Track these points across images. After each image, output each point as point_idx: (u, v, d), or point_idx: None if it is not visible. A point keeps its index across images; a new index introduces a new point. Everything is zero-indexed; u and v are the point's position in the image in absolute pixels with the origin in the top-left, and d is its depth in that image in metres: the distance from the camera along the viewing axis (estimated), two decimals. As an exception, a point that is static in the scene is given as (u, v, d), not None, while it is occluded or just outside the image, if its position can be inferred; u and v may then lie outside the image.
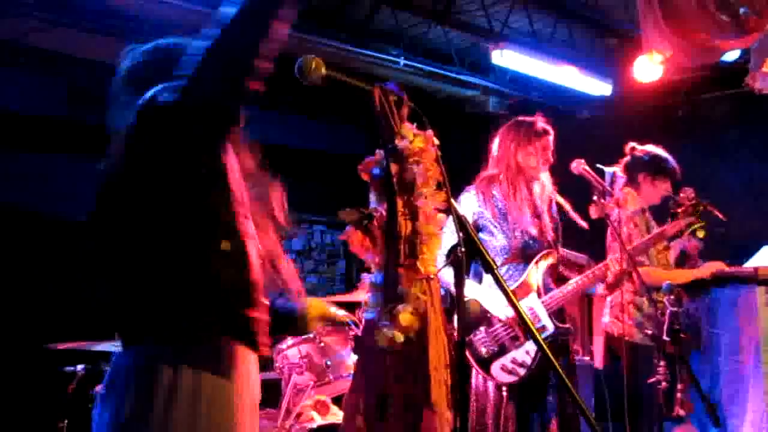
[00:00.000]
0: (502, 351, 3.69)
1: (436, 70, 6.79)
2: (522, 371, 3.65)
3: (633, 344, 4.01)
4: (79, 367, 4.07)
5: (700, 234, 4.14)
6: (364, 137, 7.33)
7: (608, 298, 4.18)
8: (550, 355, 1.88)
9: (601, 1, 6.07)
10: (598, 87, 7.12)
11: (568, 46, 6.77)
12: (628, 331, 4.00)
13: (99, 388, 3.99)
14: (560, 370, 1.84)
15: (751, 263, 4.87)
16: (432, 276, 1.93)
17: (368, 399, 1.99)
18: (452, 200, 1.94)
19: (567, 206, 4.02)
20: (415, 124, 2.01)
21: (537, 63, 6.49)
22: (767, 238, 5.14)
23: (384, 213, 1.99)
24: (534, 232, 3.81)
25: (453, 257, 1.85)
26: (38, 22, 5.05)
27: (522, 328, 3.65)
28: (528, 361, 3.65)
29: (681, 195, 4.11)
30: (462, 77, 7.07)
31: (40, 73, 5.70)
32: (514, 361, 3.67)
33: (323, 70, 1.97)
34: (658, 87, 6.57)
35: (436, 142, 2.02)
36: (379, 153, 2.04)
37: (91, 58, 5.13)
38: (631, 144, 4.37)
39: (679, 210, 4.02)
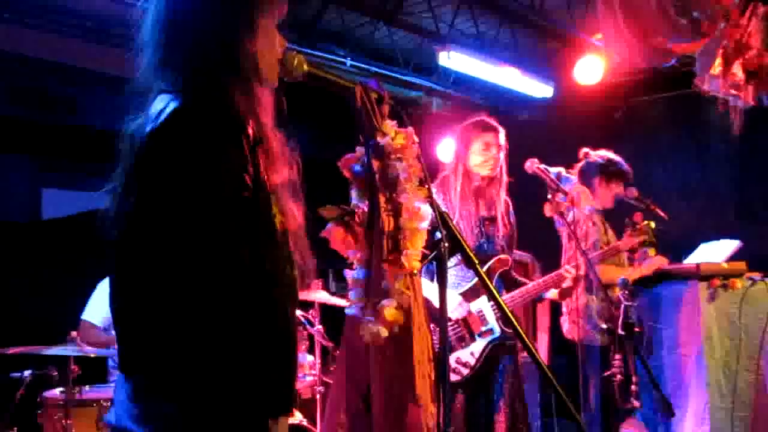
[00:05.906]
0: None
1: (383, 71, 6.81)
2: (465, 371, 3.67)
3: (591, 347, 4.12)
4: (27, 372, 3.93)
5: (651, 252, 4.27)
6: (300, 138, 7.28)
7: (564, 304, 4.27)
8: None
9: (544, 5, 6.19)
10: (539, 89, 7.25)
11: (511, 48, 6.88)
12: (587, 336, 4.10)
13: (48, 393, 3.88)
14: (532, 348, 1.86)
15: (689, 261, 5.04)
16: (415, 272, 1.94)
17: (351, 395, 2.00)
18: (434, 197, 1.96)
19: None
20: (395, 122, 2.02)
21: (482, 65, 6.58)
22: (700, 237, 5.33)
23: (365, 209, 1.99)
24: (486, 235, 3.84)
25: (436, 252, 1.87)
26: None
27: (467, 326, 3.70)
28: (472, 361, 3.68)
29: (635, 215, 4.23)
30: (407, 78, 7.12)
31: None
32: (458, 361, 3.69)
33: (305, 67, 1.98)
34: (596, 90, 6.77)
35: (416, 139, 2.03)
36: (359, 150, 2.04)
37: (35, 57, 4.92)
38: (585, 149, 4.49)
39: (635, 229, 4.15)
